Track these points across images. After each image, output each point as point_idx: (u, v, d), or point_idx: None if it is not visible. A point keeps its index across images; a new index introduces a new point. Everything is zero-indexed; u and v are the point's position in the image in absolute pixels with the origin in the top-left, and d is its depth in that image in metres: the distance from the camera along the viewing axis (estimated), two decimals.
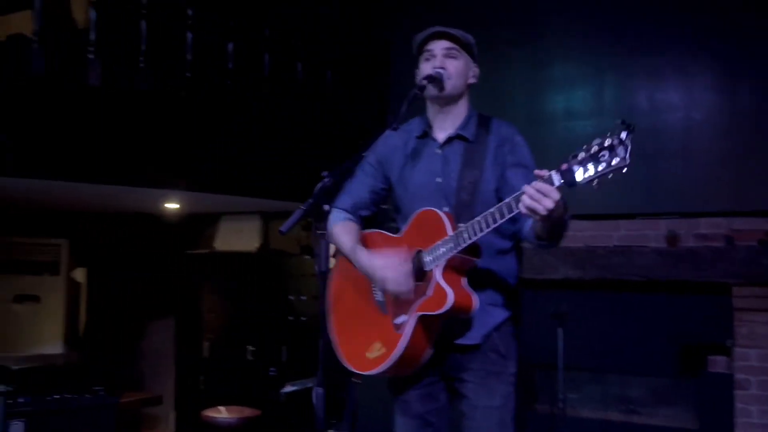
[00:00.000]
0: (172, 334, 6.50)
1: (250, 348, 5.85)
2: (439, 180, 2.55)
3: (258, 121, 5.00)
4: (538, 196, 2.03)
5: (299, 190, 2.91)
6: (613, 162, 1.93)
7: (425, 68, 2.56)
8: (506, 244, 2.55)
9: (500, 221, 2.19)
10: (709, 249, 4.56)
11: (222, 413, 5.12)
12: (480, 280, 2.45)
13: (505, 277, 2.56)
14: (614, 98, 5.24)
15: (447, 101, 2.58)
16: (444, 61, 2.53)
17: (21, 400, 3.46)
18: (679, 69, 5.01)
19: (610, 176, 1.95)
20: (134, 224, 6.62)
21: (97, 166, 4.19)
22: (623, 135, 1.93)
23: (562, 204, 2.07)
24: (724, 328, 4.55)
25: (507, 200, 2.17)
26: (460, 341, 2.47)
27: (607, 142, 1.94)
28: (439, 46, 2.55)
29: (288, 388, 5.10)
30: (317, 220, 2.13)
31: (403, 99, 2.43)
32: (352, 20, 5.79)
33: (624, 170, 1.93)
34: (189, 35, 4.66)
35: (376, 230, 2.70)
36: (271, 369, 5.79)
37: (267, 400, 5.46)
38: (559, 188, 2.03)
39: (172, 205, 5.64)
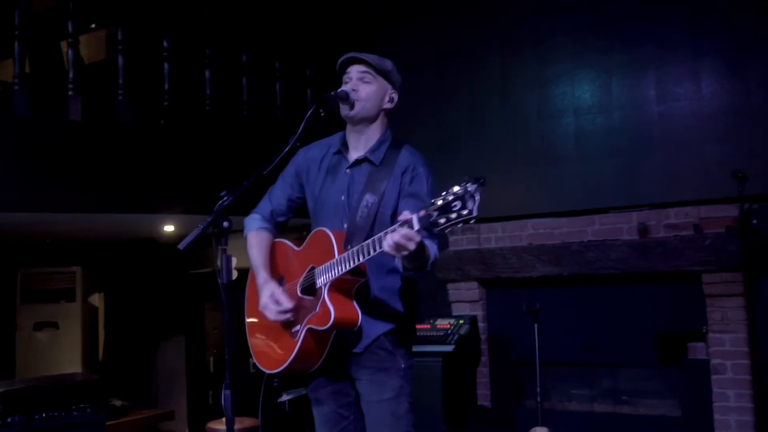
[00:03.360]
0: (182, 352, 6.74)
1: (252, 361, 6.05)
2: (343, 198, 2.69)
3: (243, 142, 5.20)
4: (404, 241, 2.14)
5: None
6: (463, 212, 2.02)
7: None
8: (397, 262, 2.61)
9: (373, 254, 2.31)
10: (677, 238, 4.64)
11: (224, 425, 5.33)
12: (371, 294, 2.61)
13: (395, 293, 2.68)
14: (591, 94, 5.34)
15: (359, 122, 2.71)
16: (358, 84, 2.68)
17: (10, 419, 3.69)
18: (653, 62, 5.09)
19: (460, 225, 2.05)
20: (141, 249, 6.89)
21: (95, 197, 4.45)
22: (472, 188, 2.01)
23: (421, 244, 2.21)
24: (699, 315, 4.62)
25: (377, 236, 2.29)
26: (344, 347, 2.63)
27: (459, 193, 2.03)
28: (355, 70, 2.70)
29: (284, 398, 5.28)
30: (218, 236, 2.27)
31: None
32: (330, 39, 5.97)
33: (472, 221, 2.03)
34: (166, 66, 4.92)
35: (285, 240, 2.86)
36: (275, 380, 5.98)
37: (272, 411, 5.65)
38: (419, 232, 2.14)
39: (169, 228, 5.88)
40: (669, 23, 4.98)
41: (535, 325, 4.58)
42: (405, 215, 2.16)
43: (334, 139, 2.85)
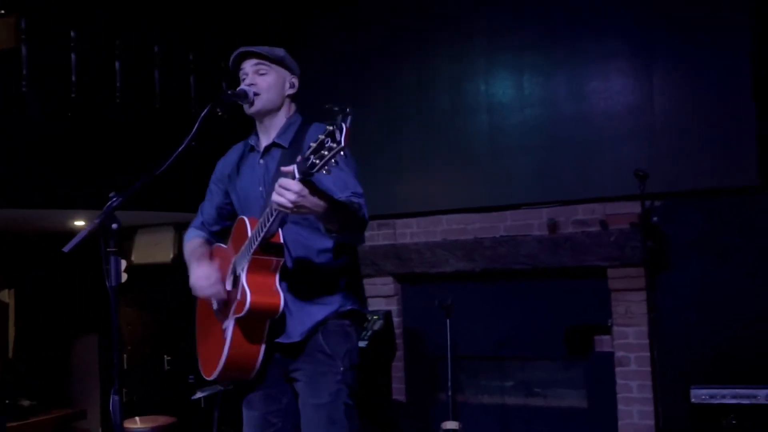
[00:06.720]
0: (96, 350, 6.58)
1: (167, 357, 5.97)
2: (261, 189, 2.68)
3: (156, 135, 5.09)
4: (281, 191, 2.13)
5: None
6: (333, 146, 2.00)
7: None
8: (327, 242, 2.61)
9: (271, 220, 2.29)
10: (584, 234, 4.76)
11: (137, 423, 5.24)
12: (301, 279, 2.58)
13: (329, 275, 2.64)
14: (503, 92, 5.40)
15: (264, 115, 2.70)
16: (255, 77, 2.66)
17: None
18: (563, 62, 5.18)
19: (333, 161, 2.03)
20: (52, 244, 6.68)
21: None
22: (338, 122, 2.00)
23: (309, 193, 2.16)
24: (605, 308, 4.75)
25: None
26: (280, 340, 2.59)
27: (329, 131, 2.01)
28: (249, 65, 2.68)
29: (198, 395, 5.20)
30: (106, 239, 2.20)
31: None
32: (245, 31, 5.89)
33: (342, 152, 2.01)
34: (73, 57, 4.78)
35: (221, 244, 2.83)
36: (190, 376, 5.90)
37: (186, 407, 5.58)
38: (302, 180, 2.11)
39: (79, 223, 5.73)
40: (578, 24, 5.09)
41: (447, 320, 4.63)
42: (287, 168, 2.15)
43: (250, 140, 2.83)
